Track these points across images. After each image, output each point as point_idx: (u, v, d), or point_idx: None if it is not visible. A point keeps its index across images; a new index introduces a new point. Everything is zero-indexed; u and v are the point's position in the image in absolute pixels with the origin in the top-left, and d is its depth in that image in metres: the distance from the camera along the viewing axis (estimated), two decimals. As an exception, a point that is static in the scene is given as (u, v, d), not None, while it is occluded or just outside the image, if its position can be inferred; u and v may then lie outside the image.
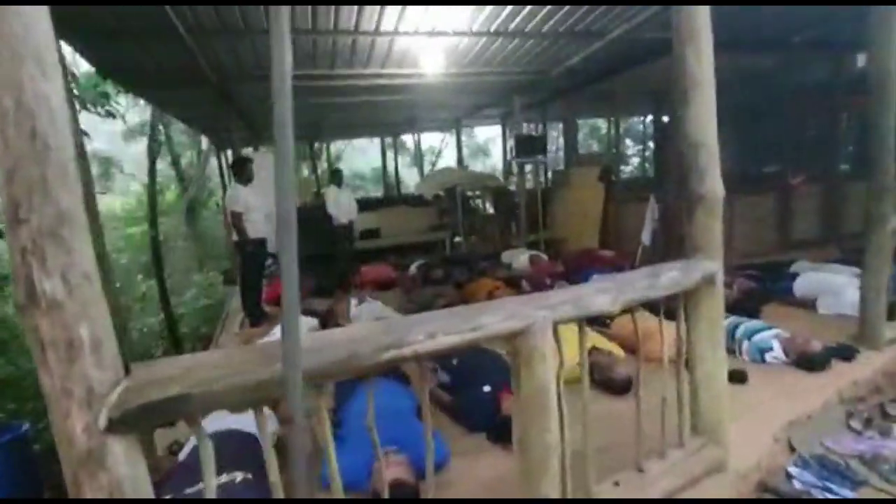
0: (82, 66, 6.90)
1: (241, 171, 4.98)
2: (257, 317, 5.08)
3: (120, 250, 12.05)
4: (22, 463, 3.32)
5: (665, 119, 9.50)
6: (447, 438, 2.48)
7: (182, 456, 2.31)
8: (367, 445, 2.25)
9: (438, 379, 3.15)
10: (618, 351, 3.21)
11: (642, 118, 13.81)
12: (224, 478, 1.94)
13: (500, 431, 2.45)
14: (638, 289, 1.72)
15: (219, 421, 2.23)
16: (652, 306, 1.99)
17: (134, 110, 11.83)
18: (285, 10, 0.81)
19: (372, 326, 1.24)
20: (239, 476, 1.90)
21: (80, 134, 2.37)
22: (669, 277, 1.81)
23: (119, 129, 12.35)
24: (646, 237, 6.28)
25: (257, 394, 1.03)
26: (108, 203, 14.33)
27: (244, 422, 2.23)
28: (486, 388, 2.71)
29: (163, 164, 14.78)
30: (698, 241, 1.95)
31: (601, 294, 1.63)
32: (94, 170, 13.16)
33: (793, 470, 2.30)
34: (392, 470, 1.96)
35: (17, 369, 5.58)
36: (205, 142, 12.66)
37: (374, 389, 2.47)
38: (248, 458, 2.10)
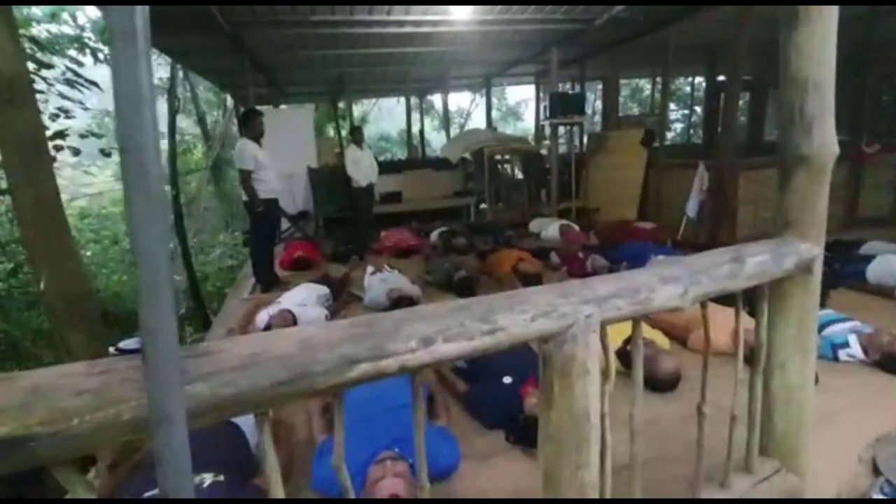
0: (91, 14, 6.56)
1: (250, 124, 4.56)
2: (268, 282, 4.81)
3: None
4: None
5: (721, 78, 8.60)
6: (459, 436, 2.14)
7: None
8: (364, 443, 1.94)
9: (454, 362, 2.80)
10: (661, 340, 2.78)
11: (690, 78, 12.67)
12: (190, 480, 1.65)
13: (521, 432, 2.11)
14: (716, 277, 1.28)
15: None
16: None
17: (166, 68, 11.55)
18: None
19: (339, 327, 0.85)
20: (208, 479, 1.60)
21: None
22: (757, 263, 1.35)
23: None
24: (692, 209, 5.71)
25: (140, 433, 0.67)
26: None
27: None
28: (508, 380, 2.34)
29: (189, 123, 14.61)
30: (794, 217, 1.47)
31: (667, 284, 1.20)
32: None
33: (879, 499, 1.88)
34: (389, 482, 1.63)
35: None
36: (230, 100, 12.36)
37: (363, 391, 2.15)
38: (224, 455, 1.80)
